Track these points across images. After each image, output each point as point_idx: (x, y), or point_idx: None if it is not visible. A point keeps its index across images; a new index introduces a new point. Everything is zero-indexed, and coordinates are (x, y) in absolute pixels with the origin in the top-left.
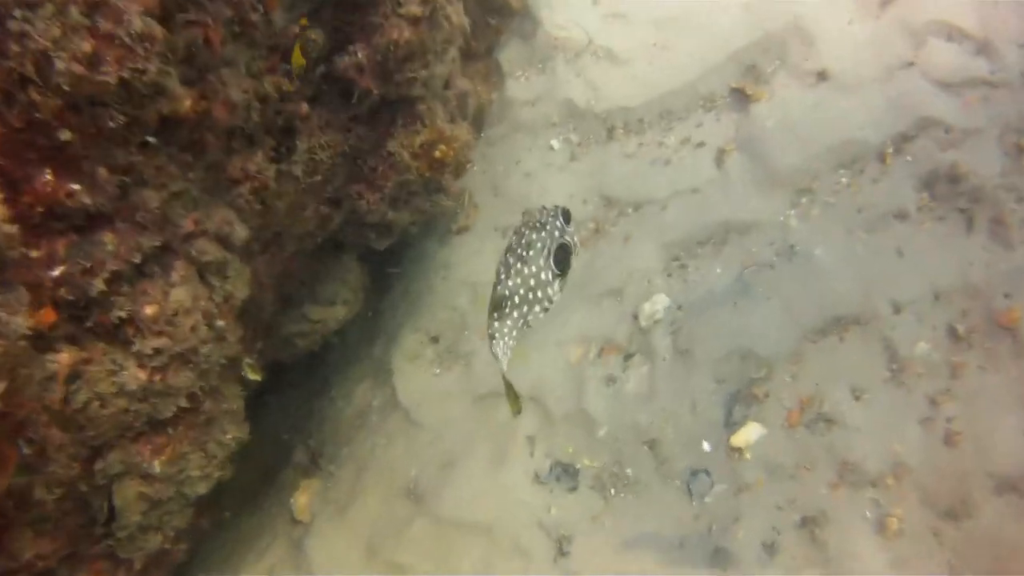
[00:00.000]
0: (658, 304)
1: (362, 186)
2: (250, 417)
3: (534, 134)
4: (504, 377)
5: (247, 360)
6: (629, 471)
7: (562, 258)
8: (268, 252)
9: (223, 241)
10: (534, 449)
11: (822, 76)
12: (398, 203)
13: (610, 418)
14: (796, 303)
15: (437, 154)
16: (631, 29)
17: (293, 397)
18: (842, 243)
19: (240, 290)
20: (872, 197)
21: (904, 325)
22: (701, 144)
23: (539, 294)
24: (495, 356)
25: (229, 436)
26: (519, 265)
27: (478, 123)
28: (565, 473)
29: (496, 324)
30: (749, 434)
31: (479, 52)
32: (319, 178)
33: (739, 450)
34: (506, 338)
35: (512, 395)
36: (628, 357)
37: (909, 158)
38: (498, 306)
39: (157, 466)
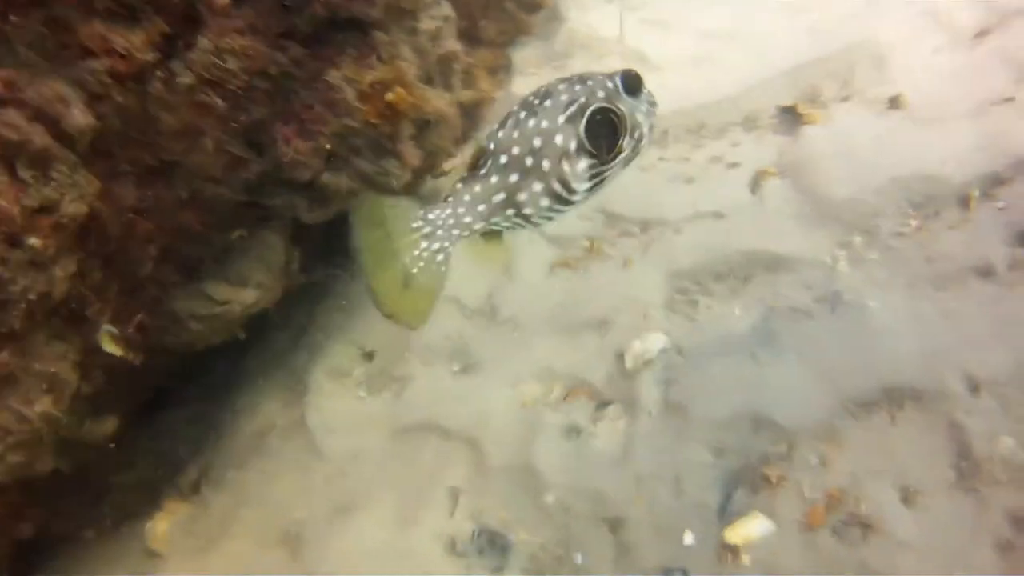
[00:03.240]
0: (652, 344)
1: (291, 127)
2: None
3: None
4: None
5: (108, 327)
6: (578, 557)
7: (602, 131)
8: (149, 185)
9: (50, 125)
10: (456, 507)
11: (895, 104)
12: (336, 160)
13: (564, 481)
14: (836, 363)
15: (391, 97)
16: (670, 36)
17: (193, 401)
18: (904, 297)
19: (72, 204)
20: (948, 246)
21: (982, 411)
22: (735, 165)
23: (547, 166)
24: (424, 227)
25: (37, 409)
26: (523, 115)
27: (474, 119)
28: (491, 546)
29: (459, 187)
30: (751, 529)
31: (488, 38)
32: (226, 99)
33: (734, 549)
34: (466, 215)
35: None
36: (602, 406)
37: (1001, 205)
38: (472, 162)
39: None
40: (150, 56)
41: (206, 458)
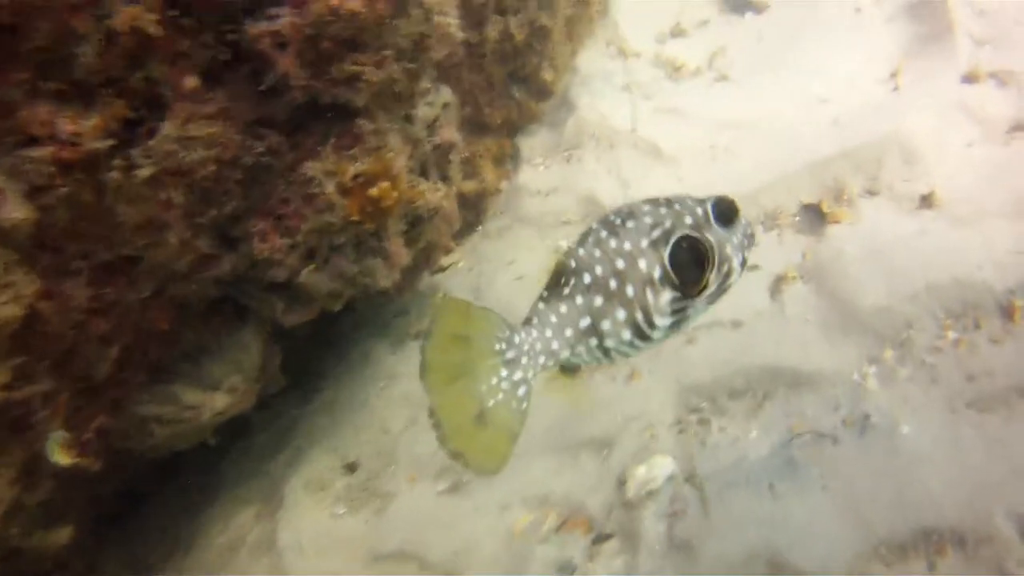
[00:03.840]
0: (658, 470)
1: (267, 223)
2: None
3: (541, 231)
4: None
5: (58, 433)
6: None
7: (688, 261)
8: (107, 282)
9: None
10: None
11: (927, 202)
12: (316, 258)
13: None
14: (865, 498)
15: (375, 192)
16: (686, 127)
17: (168, 503)
18: (942, 421)
19: (5, 307)
20: (990, 363)
21: None
22: (754, 267)
23: (631, 292)
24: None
25: None
26: (604, 234)
27: (478, 211)
28: None
29: (543, 306)
30: None
31: (493, 124)
32: (192, 190)
33: None
34: (554, 340)
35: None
36: (600, 539)
37: None
38: (554, 280)
39: None
40: (103, 143)
41: (176, 568)
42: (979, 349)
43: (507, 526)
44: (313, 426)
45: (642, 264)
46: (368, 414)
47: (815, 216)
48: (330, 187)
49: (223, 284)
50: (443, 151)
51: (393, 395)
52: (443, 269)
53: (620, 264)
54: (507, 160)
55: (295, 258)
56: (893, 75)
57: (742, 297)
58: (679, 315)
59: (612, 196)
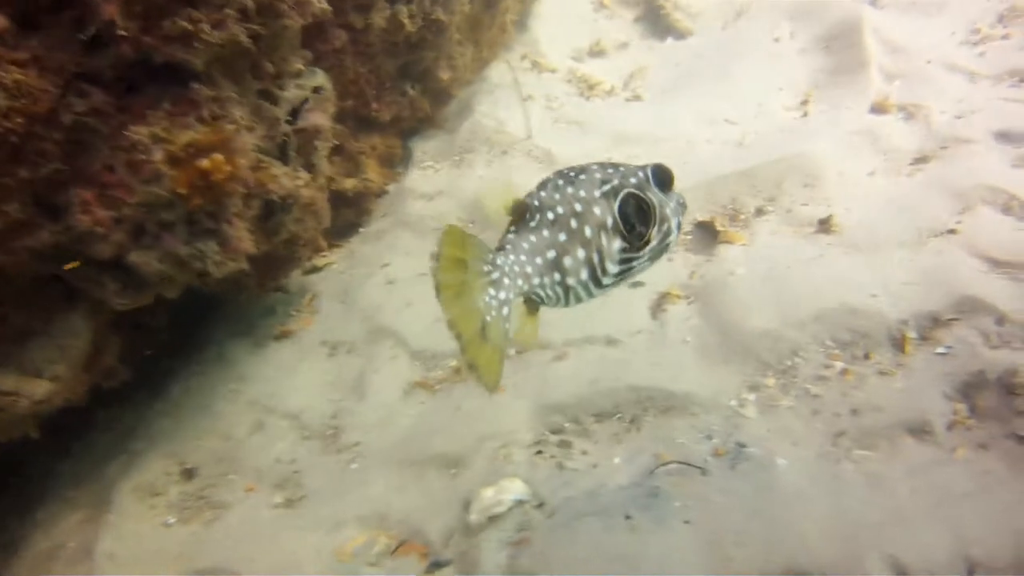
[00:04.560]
0: (507, 494)
1: (89, 192)
2: None
3: (421, 235)
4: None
5: None
6: None
7: (634, 216)
8: None
9: None
10: None
11: (825, 227)
12: (144, 236)
13: None
14: (731, 535)
15: (205, 165)
16: (585, 138)
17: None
18: (822, 456)
19: None
20: (877, 396)
21: None
22: (637, 283)
23: (589, 233)
24: (481, 278)
25: None
26: (561, 183)
27: (360, 211)
28: None
29: (513, 236)
30: None
31: (381, 121)
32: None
33: None
34: (527, 265)
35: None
36: (435, 567)
37: (941, 351)
38: (518, 214)
39: None
40: None
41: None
42: (867, 381)
43: (336, 545)
44: (156, 428)
45: (596, 210)
46: (213, 418)
47: (707, 235)
48: (158, 155)
49: (47, 259)
50: (308, 137)
51: (242, 399)
52: (317, 269)
53: (578, 207)
54: (396, 160)
55: (121, 234)
56: (803, 103)
57: (620, 313)
58: (626, 265)
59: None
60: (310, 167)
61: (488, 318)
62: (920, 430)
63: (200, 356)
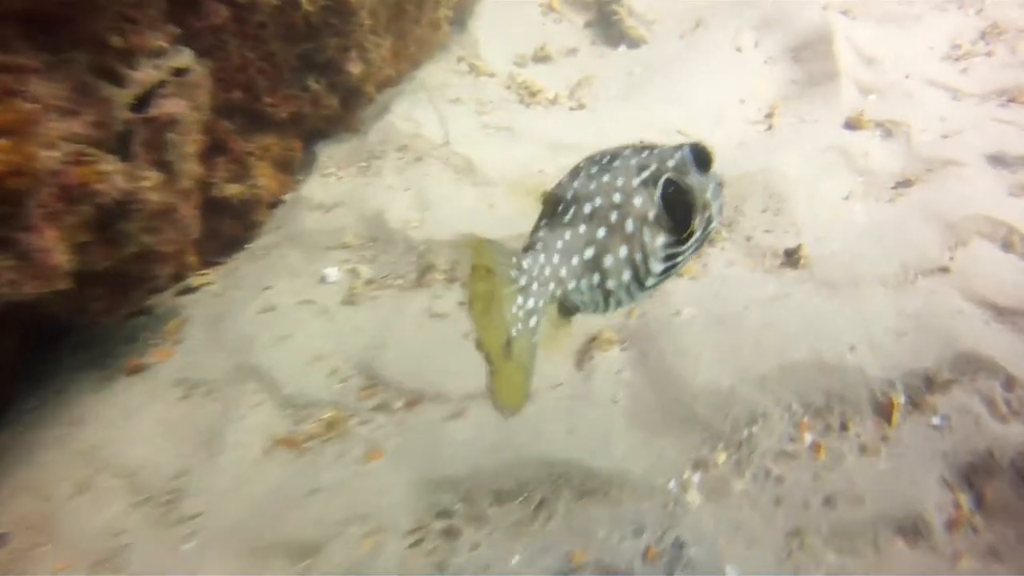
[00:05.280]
0: None
1: None
2: None
3: (310, 254)
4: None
5: None
6: None
7: (675, 205)
8: None
9: None
10: None
11: (793, 259)
12: None
13: None
14: None
15: None
16: (515, 146)
17: None
18: (783, 561)
19: None
20: (857, 481)
21: None
22: None
23: (631, 227)
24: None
25: None
26: (595, 170)
27: (247, 223)
28: None
29: (544, 234)
30: None
31: (275, 118)
32: None
33: None
34: (561, 267)
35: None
36: None
37: (936, 422)
38: (550, 210)
39: None
40: None
41: None
42: (844, 460)
43: None
44: None
45: (637, 201)
46: (35, 470)
47: None
48: None
49: None
50: (159, 129)
51: (72, 447)
52: (192, 289)
53: (617, 198)
54: (296, 165)
55: None
56: (768, 115)
57: (538, 360)
58: (670, 262)
59: (403, 219)
60: (163, 165)
61: (514, 331)
62: (912, 529)
63: (39, 389)
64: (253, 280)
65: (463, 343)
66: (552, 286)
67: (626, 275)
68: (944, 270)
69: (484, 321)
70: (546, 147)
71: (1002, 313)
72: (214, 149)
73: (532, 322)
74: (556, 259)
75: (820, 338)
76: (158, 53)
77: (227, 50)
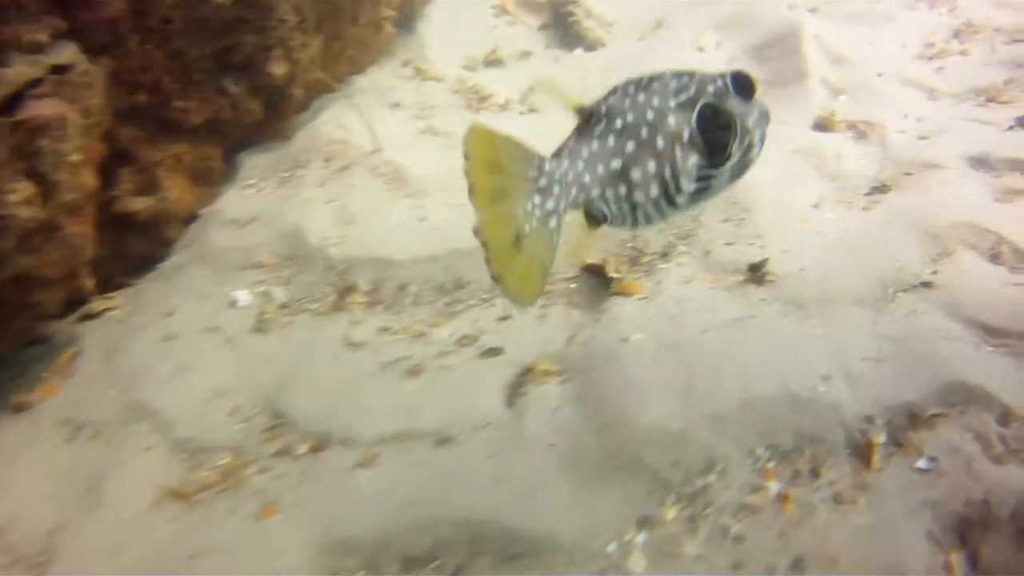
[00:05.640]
0: None
1: None
2: None
3: (221, 274)
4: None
5: None
6: None
7: (713, 130)
8: None
9: None
10: None
11: (757, 275)
12: None
13: None
14: None
15: None
16: (452, 152)
17: None
18: None
19: None
20: (831, 538)
21: None
22: (494, 351)
23: (662, 144)
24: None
25: None
26: (632, 89)
27: (156, 241)
28: None
29: (572, 142)
30: None
31: (188, 124)
32: None
33: None
34: (586, 174)
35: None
36: None
37: (923, 465)
38: (583, 122)
39: None
40: None
41: None
42: (815, 513)
43: None
44: None
45: (671, 121)
46: None
47: (596, 283)
48: None
49: None
50: (29, 134)
51: None
52: (94, 315)
53: (650, 116)
54: (215, 176)
55: None
56: None
57: (463, 395)
58: (703, 183)
59: (323, 235)
60: (39, 176)
61: (527, 227)
62: None
63: None
64: (157, 305)
65: (380, 376)
66: (575, 191)
67: (654, 190)
68: (927, 285)
69: (489, 211)
70: None
71: (993, 334)
72: (117, 159)
73: (552, 223)
74: (581, 166)
75: (788, 368)
76: (35, 48)
77: (127, 47)
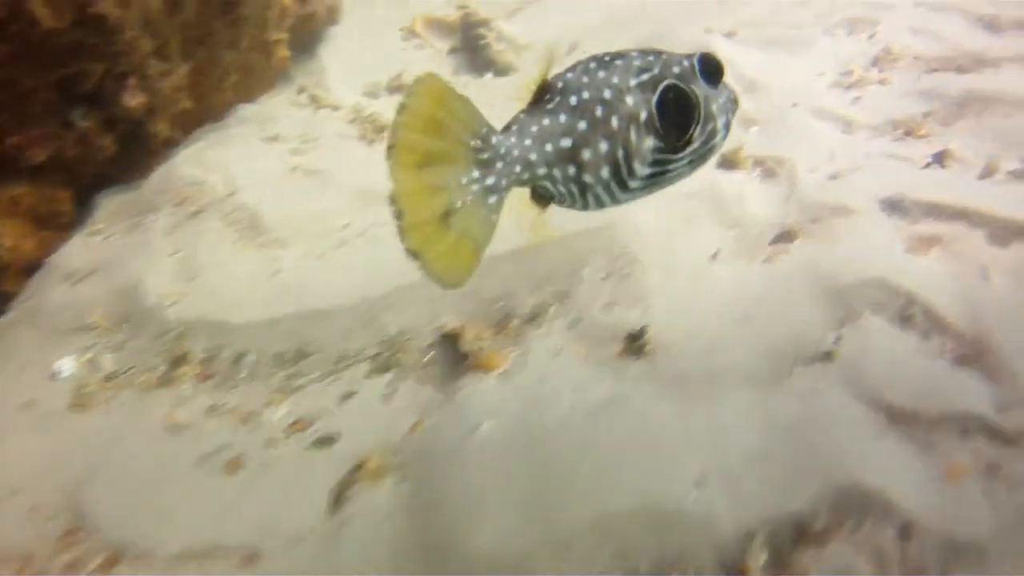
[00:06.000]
0: None
1: None
2: None
3: (49, 337)
4: None
5: None
6: None
7: (673, 114)
8: None
9: None
10: None
11: (636, 346)
12: None
13: None
14: None
15: None
16: (320, 193)
17: None
18: None
19: None
20: None
21: None
22: (326, 440)
23: (616, 124)
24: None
25: None
26: (592, 65)
27: None
28: None
29: (524, 116)
30: None
31: (29, 162)
32: None
33: None
34: (532, 151)
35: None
36: None
37: None
38: (537, 96)
39: None
40: None
41: None
42: None
43: None
44: None
45: (629, 101)
46: None
47: (453, 356)
48: None
49: None
50: None
51: None
52: None
53: (607, 94)
54: (64, 221)
55: None
56: None
57: (283, 497)
58: (659, 168)
59: (162, 292)
60: None
61: (459, 202)
62: None
63: None
64: None
65: (195, 471)
66: (519, 168)
67: (605, 172)
68: (828, 357)
69: (412, 178)
70: (357, 196)
71: (897, 418)
72: None
73: (490, 200)
74: (528, 142)
75: (656, 470)
76: None
77: None
